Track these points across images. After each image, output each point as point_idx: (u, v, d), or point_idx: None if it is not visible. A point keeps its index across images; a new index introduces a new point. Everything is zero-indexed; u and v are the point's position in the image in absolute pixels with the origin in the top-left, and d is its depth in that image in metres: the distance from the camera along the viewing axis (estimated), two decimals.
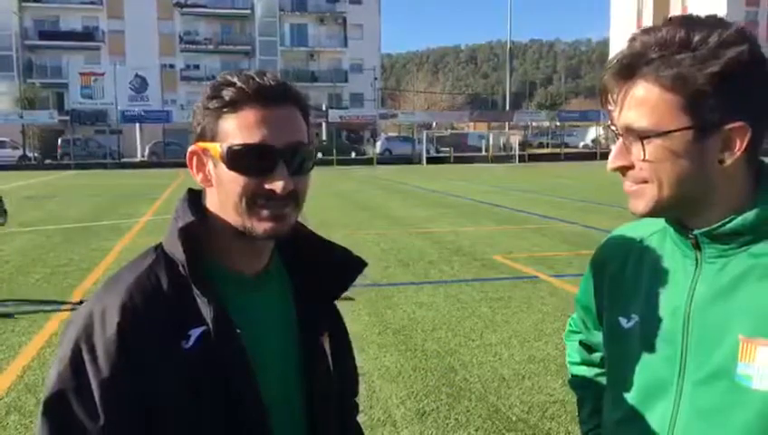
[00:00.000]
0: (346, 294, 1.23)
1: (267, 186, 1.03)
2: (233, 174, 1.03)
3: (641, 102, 1.00)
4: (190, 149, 1.09)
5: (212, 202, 1.10)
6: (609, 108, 1.05)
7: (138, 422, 1.01)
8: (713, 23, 1.00)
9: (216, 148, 1.04)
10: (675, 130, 0.99)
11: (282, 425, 1.10)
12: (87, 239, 11.72)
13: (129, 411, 1.00)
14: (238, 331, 1.04)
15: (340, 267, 1.20)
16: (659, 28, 1.00)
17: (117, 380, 0.99)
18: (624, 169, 1.05)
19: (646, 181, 1.03)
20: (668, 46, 0.98)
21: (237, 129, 1.03)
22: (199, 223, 1.07)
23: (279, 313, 1.16)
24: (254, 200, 1.04)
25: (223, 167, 1.04)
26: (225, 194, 1.06)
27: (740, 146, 0.99)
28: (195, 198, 1.13)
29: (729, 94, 0.97)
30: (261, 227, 1.05)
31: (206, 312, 1.03)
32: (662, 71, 0.98)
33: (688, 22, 1.00)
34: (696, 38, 0.98)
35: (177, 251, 1.05)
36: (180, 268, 1.05)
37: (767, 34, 58.72)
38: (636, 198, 1.06)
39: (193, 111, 1.10)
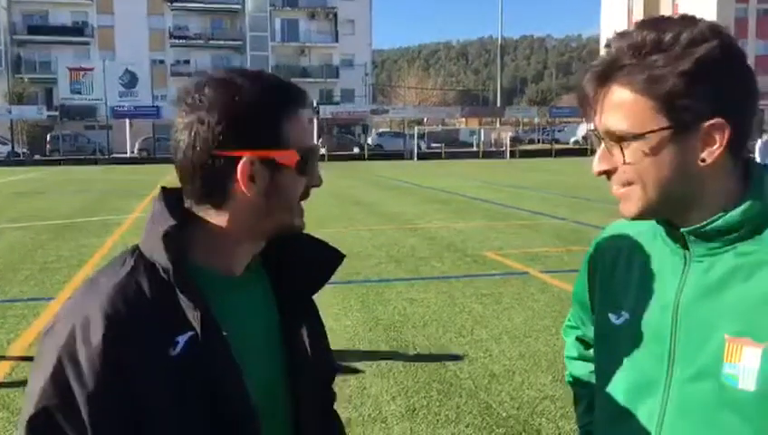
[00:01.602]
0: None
1: (312, 183, 1.09)
2: (298, 177, 1.06)
3: (618, 106, 1.02)
4: (243, 160, 1.01)
5: (235, 208, 1.04)
6: (590, 114, 1.06)
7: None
8: (683, 21, 1.00)
9: (287, 155, 1.04)
10: (651, 132, 1.00)
11: (268, 423, 1.08)
12: (76, 236, 11.66)
13: (118, 425, 0.97)
14: (225, 333, 1.02)
15: (317, 261, 1.18)
16: (631, 32, 1.02)
17: (104, 394, 0.95)
18: (609, 174, 1.06)
19: (631, 183, 1.04)
20: (640, 49, 0.99)
21: (300, 133, 1.05)
22: (180, 225, 1.03)
23: (262, 311, 1.14)
24: (301, 199, 1.09)
25: (289, 172, 1.04)
26: (283, 199, 1.06)
27: (720, 143, 0.99)
28: (171, 197, 1.08)
29: (703, 92, 0.97)
30: (300, 222, 1.10)
31: (193, 316, 1.00)
32: (635, 74, 0.99)
33: (659, 22, 1.01)
34: (667, 38, 0.98)
35: (159, 256, 1.01)
36: (161, 273, 1.01)
37: (756, 30, 59.07)
38: (625, 202, 1.06)
39: (218, 118, 1.00)
